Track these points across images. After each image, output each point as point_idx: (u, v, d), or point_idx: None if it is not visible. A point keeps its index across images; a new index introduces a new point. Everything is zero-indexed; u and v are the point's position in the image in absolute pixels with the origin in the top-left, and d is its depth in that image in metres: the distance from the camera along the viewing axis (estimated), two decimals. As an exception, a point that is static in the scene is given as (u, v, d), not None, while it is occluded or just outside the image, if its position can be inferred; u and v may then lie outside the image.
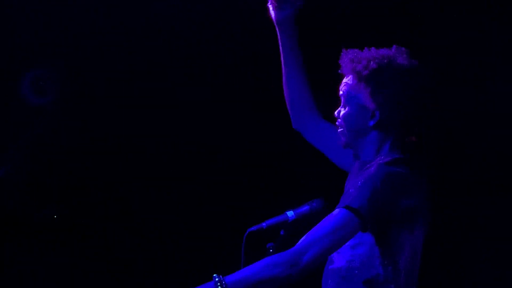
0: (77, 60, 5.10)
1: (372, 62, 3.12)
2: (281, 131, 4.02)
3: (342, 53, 3.25)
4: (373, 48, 3.20)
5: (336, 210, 2.88)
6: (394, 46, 3.19)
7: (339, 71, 3.29)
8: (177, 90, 5.31)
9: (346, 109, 3.17)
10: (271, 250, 3.15)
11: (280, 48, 3.59)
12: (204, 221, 5.35)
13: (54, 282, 5.21)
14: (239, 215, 4.61)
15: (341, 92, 3.22)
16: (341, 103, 3.25)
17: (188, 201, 5.42)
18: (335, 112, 3.26)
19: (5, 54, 4.99)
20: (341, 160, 3.41)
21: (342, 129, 3.19)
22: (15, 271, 5.17)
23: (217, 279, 2.79)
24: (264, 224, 3.19)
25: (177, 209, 5.40)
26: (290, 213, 3.19)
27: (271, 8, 3.55)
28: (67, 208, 5.27)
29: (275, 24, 3.56)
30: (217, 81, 5.26)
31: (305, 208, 3.17)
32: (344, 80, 3.24)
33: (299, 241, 2.87)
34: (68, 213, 5.27)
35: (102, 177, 5.32)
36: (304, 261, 2.79)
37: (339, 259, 3.05)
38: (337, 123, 3.25)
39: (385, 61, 3.13)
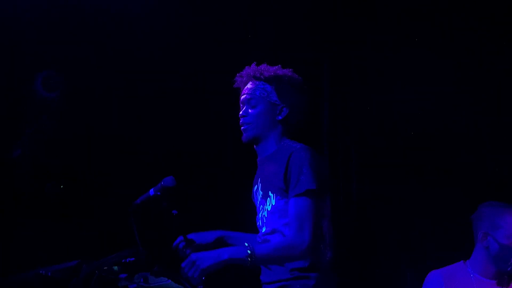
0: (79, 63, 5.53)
1: (277, 71, 3.80)
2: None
3: (244, 68, 3.87)
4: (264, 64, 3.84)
5: (301, 197, 3.51)
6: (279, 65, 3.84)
7: (239, 82, 3.87)
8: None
9: (258, 108, 3.77)
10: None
11: None
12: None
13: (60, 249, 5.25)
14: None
15: (247, 96, 3.78)
16: (245, 105, 3.77)
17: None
18: (240, 113, 3.77)
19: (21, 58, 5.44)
20: None
21: (248, 126, 3.75)
22: (26, 238, 5.33)
23: (249, 251, 3.40)
24: (138, 201, 3.81)
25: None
26: (151, 191, 3.80)
27: None
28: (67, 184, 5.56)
29: None
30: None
31: (157, 186, 3.76)
32: (250, 86, 3.81)
33: (292, 227, 3.50)
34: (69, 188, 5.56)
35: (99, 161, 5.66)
36: (307, 240, 3.48)
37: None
38: (242, 122, 3.78)
39: (284, 71, 3.82)
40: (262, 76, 3.81)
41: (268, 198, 3.75)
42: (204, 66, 5.65)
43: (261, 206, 3.80)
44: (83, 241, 5.39)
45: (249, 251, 3.41)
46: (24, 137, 5.48)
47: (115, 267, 3.25)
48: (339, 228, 5.28)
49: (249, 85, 3.84)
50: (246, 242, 3.49)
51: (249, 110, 3.79)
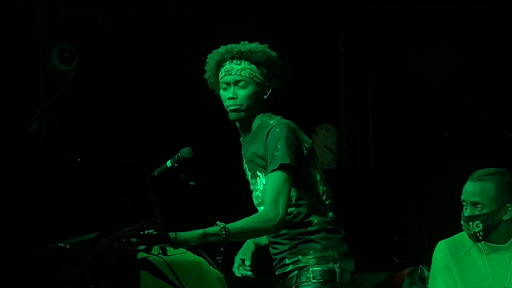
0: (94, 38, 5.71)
1: (263, 53, 3.78)
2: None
3: (220, 47, 3.81)
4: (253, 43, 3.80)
5: (276, 172, 3.62)
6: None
7: (217, 60, 3.79)
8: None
9: (248, 89, 3.77)
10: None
11: None
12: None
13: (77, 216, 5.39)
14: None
15: (234, 77, 3.76)
16: (230, 85, 3.77)
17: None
18: (230, 95, 3.75)
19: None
20: None
21: (239, 106, 3.77)
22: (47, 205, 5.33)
23: (221, 225, 3.45)
24: (156, 172, 3.97)
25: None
26: (168, 163, 3.95)
27: None
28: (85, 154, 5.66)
29: None
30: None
31: (174, 157, 3.92)
32: (235, 66, 3.77)
33: (266, 201, 3.59)
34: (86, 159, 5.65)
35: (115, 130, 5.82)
36: (281, 213, 3.57)
37: None
38: (232, 103, 3.77)
39: (269, 53, 3.82)
40: (245, 56, 3.78)
41: (258, 178, 3.82)
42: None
43: (253, 186, 3.87)
44: (102, 213, 5.45)
45: (221, 225, 3.45)
46: (41, 110, 5.53)
47: (134, 239, 3.23)
48: (357, 194, 5.49)
49: (234, 65, 3.80)
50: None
51: (238, 91, 3.77)
